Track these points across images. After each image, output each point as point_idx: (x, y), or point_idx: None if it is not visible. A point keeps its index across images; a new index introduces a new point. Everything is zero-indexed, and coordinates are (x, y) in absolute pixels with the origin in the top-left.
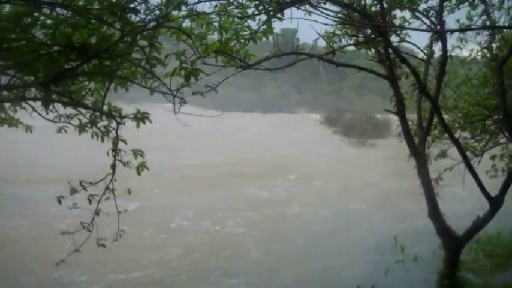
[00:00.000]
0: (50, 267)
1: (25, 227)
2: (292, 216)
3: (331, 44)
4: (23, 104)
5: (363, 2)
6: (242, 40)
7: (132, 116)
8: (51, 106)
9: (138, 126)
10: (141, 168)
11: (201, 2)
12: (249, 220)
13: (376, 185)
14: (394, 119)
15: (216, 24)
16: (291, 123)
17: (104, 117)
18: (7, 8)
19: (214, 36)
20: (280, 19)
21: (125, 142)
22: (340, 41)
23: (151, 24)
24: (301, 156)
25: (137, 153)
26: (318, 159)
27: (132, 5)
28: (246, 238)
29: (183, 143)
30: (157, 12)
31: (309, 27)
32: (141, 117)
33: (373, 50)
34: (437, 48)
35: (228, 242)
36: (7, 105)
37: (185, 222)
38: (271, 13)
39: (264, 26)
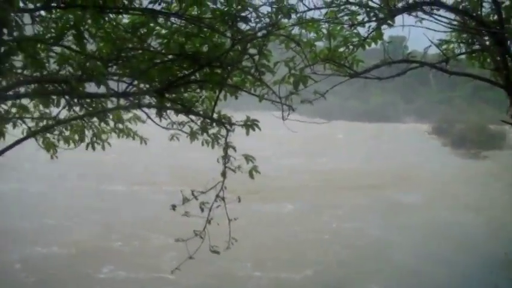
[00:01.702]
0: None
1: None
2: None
3: (444, 51)
4: (138, 113)
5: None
6: (351, 46)
7: (242, 123)
8: (164, 113)
9: (247, 133)
10: (254, 172)
11: (310, 9)
12: (399, 224)
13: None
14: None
15: (324, 31)
16: (398, 133)
17: (214, 124)
18: (125, 18)
19: (322, 44)
20: (391, 26)
21: (234, 149)
22: (454, 48)
23: (261, 32)
24: (420, 166)
25: (248, 158)
26: (435, 169)
27: (243, 14)
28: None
29: (299, 149)
30: (267, 20)
31: (417, 34)
32: (250, 125)
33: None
34: None
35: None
36: (125, 117)
37: (346, 224)
38: (382, 20)
39: (373, 33)
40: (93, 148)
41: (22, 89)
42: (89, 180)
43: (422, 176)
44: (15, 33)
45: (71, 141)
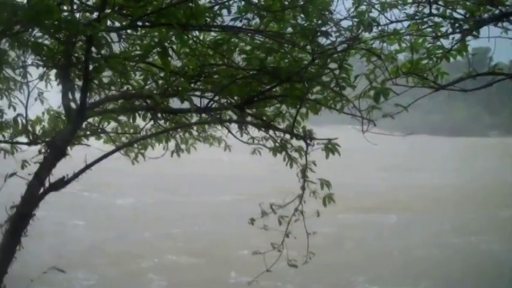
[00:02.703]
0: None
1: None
2: None
3: None
4: (219, 127)
5: None
6: (434, 59)
7: (322, 142)
8: (244, 128)
9: (327, 156)
10: (327, 200)
11: (392, 22)
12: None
13: None
14: None
15: (407, 43)
16: (484, 147)
17: (294, 139)
18: (209, 35)
19: (403, 56)
20: (476, 37)
21: (314, 164)
22: None
23: (342, 46)
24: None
25: (324, 183)
26: None
27: (323, 29)
28: None
29: (389, 164)
30: (348, 34)
31: (501, 45)
32: (330, 148)
33: None
34: None
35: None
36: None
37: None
38: (467, 31)
39: (458, 45)
40: (178, 155)
41: (110, 105)
42: (186, 192)
43: None
44: (103, 51)
45: (154, 148)
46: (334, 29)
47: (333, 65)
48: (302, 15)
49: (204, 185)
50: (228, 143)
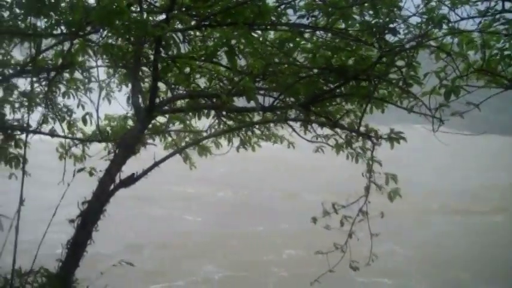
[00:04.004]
0: None
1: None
2: None
3: None
4: (283, 125)
5: None
6: (507, 59)
7: (386, 137)
8: (309, 126)
9: (392, 146)
10: (393, 195)
11: (463, 19)
12: None
13: None
14: None
15: (478, 40)
16: None
17: (359, 138)
18: (271, 34)
19: (473, 54)
20: None
21: (380, 164)
22: None
23: (410, 43)
24: None
25: (390, 177)
26: None
27: (391, 26)
28: None
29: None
30: (417, 31)
31: None
32: (395, 137)
33: None
34: None
35: None
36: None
37: None
38: None
39: None
40: (238, 150)
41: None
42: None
43: None
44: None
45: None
46: (402, 26)
47: (400, 63)
48: (370, 12)
49: (288, 181)
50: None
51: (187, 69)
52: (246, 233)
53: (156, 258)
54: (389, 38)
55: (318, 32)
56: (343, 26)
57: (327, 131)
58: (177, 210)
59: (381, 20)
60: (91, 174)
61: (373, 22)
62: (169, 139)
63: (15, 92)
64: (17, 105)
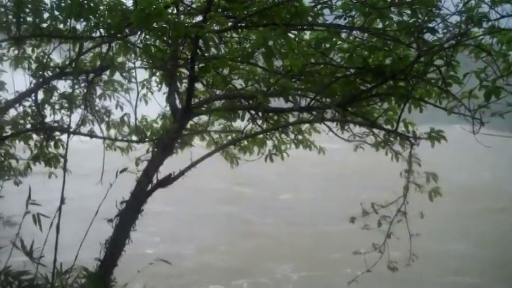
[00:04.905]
0: None
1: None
2: None
3: None
4: (317, 126)
5: None
6: None
7: (426, 137)
8: (346, 126)
9: (432, 145)
10: (434, 194)
11: (503, 17)
12: None
13: None
14: None
15: None
16: None
17: (398, 137)
18: (307, 34)
19: None
20: None
21: (419, 164)
22: None
23: (449, 42)
24: None
25: (430, 176)
26: None
27: (430, 25)
28: None
29: None
30: (456, 30)
31: None
32: (436, 136)
33: None
34: None
35: None
36: (303, 127)
37: None
38: None
39: None
40: (271, 160)
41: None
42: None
43: None
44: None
45: (248, 152)
46: (441, 25)
47: (439, 62)
48: (408, 11)
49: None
50: (323, 144)
51: (225, 71)
52: (317, 233)
53: (234, 256)
54: (428, 37)
55: (354, 32)
56: (380, 26)
57: (364, 130)
58: (241, 210)
59: (419, 20)
60: (137, 164)
61: (411, 22)
62: (209, 138)
63: (55, 94)
64: (57, 106)
